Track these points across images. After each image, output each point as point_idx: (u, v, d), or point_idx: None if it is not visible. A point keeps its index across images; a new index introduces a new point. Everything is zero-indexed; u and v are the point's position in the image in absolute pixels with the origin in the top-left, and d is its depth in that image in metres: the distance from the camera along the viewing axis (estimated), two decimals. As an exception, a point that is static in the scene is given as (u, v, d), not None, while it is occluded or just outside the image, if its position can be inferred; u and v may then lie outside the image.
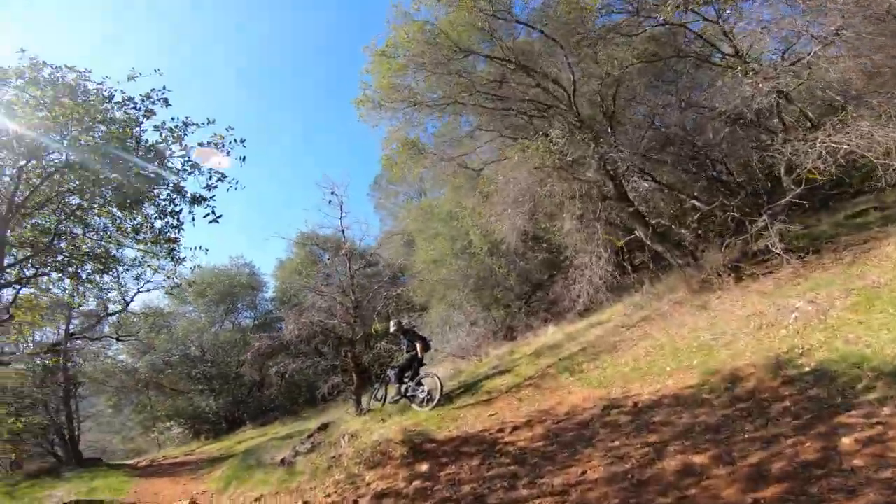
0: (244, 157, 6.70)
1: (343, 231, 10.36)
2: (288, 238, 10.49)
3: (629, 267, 13.59)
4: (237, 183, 6.95)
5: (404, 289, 11.41)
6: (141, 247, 7.87)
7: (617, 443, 5.50)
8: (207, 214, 6.62)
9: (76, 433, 14.34)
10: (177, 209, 6.99)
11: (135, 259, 8.57)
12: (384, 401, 10.21)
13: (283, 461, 8.22)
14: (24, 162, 6.38)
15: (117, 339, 18.84)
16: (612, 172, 11.66)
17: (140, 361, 19.07)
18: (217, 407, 17.69)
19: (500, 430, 6.89)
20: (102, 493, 8.98)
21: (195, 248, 8.22)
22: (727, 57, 12.01)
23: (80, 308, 20.00)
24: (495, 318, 15.59)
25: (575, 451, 5.64)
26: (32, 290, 8.82)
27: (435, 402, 9.29)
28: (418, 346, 10.01)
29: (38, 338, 17.99)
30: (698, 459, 4.65)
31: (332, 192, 10.42)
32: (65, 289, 8.99)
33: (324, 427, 8.78)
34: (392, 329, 10.27)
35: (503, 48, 11.98)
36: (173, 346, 18.32)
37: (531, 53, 13.15)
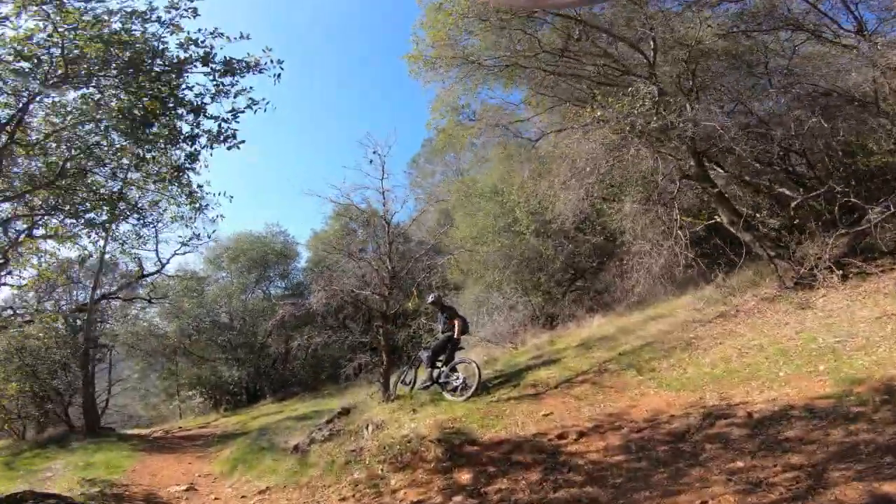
0: (279, 75, 5.34)
1: (383, 193, 8.96)
2: (323, 196, 8.78)
3: (692, 257, 11.82)
4: (267, 103, 5.57)
5: (447, 259, 9.88)
6: (153, 185, 6.63)
7: (740, 463, 3.95)
8: (227, 138, 5.28)
9: (94, 399, 13.48)
10: (193, 133, 5.64)
11: (153, 203, 7.30)
12: (413, 385, 8.84)
13: (296, 448, 6.97)
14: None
15: (149, 301, 18.08)
16: (695, 149, 9.89)
17: (170, 325, 18.32)
18: (239, 377, 16.75)
19: (562, 436, 5.40)
20: (99, 469, 7.95)
21: (218, 193, 7.00)
22: (844, 32, 10.10)
23: (117, 268, 19.73)
24: (534, 304, 13.99)
25: (677, 471, 4.11)
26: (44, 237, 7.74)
27: (471, 391, 7.87)
28: (457, 325, 8.60)
29: (77, 296, 17.50)
30: (890, 489, 3.10)
31: (374, 152, 9.01)
32: (79, 237, 7.91)
33: (345, 412, 7.48)
34: (429, 301, 8.87)
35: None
36: (203, 312, 17.43)
37: (601, 18, 11.52)
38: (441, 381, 8.39)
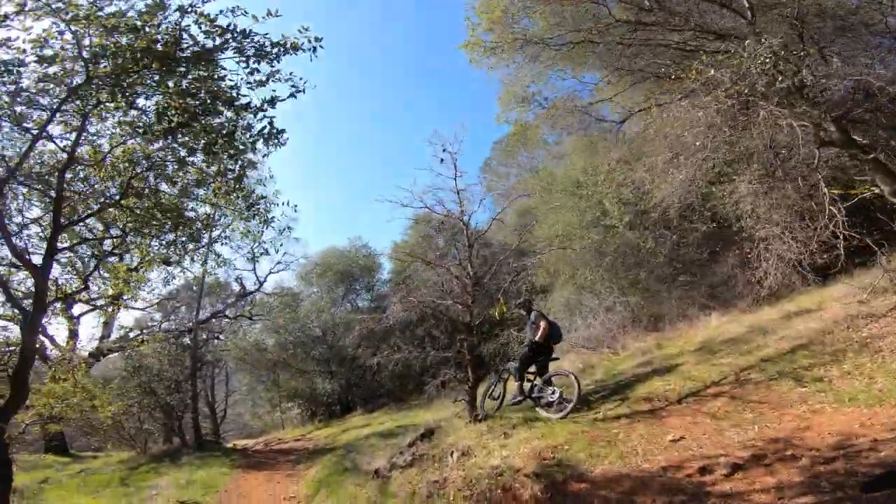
0: (315, 49, 4.59)
1: (458, 193, 7.98)
2: (394, 201, 7.90)
3: (852, 237, 9.40)
4: (305, 82, 4.83)
5: (537, 259, 8.63)
6: (215, 197, 6.20)
7: None
8: (263, 129, 4.61)
9: (213, 412, 13.90)
10: (242, 136, 5.07)
11: (210, 217, 6.95)
12: (501, 401, 7.69)
13: (377, 473, 6.11)
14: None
15: (251, 318, 18.98)
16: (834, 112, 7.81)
17: (271, 340, 18.92)
18: (332, 389, 16.67)
19: (706, 470, 3.94)
20: (196, 489, 7.80)
21: (282, 203, 6.47)
22: None
23: (227, 289, 20.94)
24: (633, 304, 12.17)
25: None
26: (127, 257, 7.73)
27: (570, 406, 6.56)
28: (541, 329, 7.37)
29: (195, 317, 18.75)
30: None
31: (444, 150, 8.07)
32: (167, 260, 7.83)
33: (428, 433, 6.50)
34: (517, 305, 7.72)
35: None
36: (297, 326, 17.76)
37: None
38: (534, 395, 7.16)
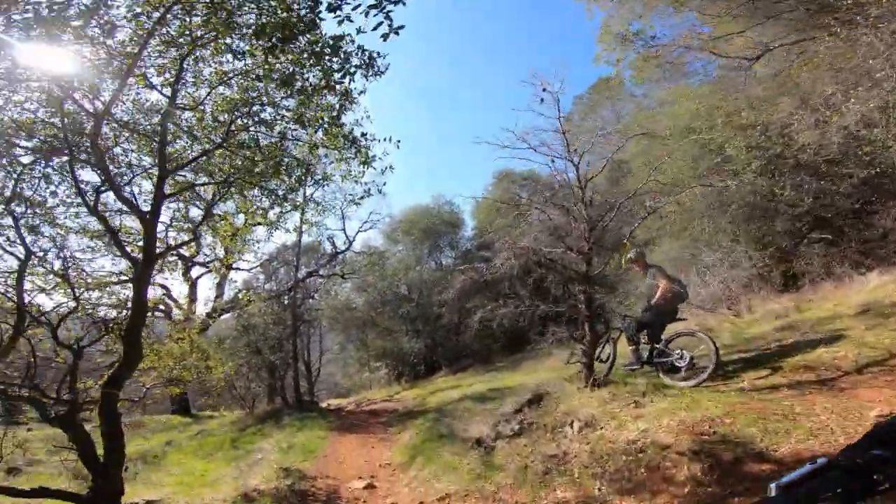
0: None
1: (564, 133, 6.81)
2: (493, 143, 6.88)
3: None
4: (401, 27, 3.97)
5: (666, 200, 7.22)
6: (308, 133, 5.64)
7: None
8: (379, 24, 3.78)
9: (309, 371, 14.23)
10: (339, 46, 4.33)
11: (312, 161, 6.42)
12: (611, 365, 6.62)
13: (478, 442, 5.40)
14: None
15: (342, 277, 19.31)
16: None
17: (360, 298, 19.17)
18: (418, 349, 16.49)
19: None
20: (297, 454, 7.68)
21: (384, 139, 5.78)
22: None
23: (319, 250, 21.57)
24: (762, 260, 10.27)
25: None
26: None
27: (706, 374, 5.41)
28: (661, 287, 6.17)
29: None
30: None
31: (544, 89, 6.87)
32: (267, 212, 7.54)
33: (535, 400, 5.65)
34: (630, 257, 6.55)
35: None
36: (385, 284, 17.75)
37: None
38: (656, 360, 6.05)
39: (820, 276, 9.35)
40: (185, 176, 6.23)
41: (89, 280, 5.75)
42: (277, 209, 6.91)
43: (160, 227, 6.55)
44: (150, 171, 5.49)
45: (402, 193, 63.42)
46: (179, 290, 16.86)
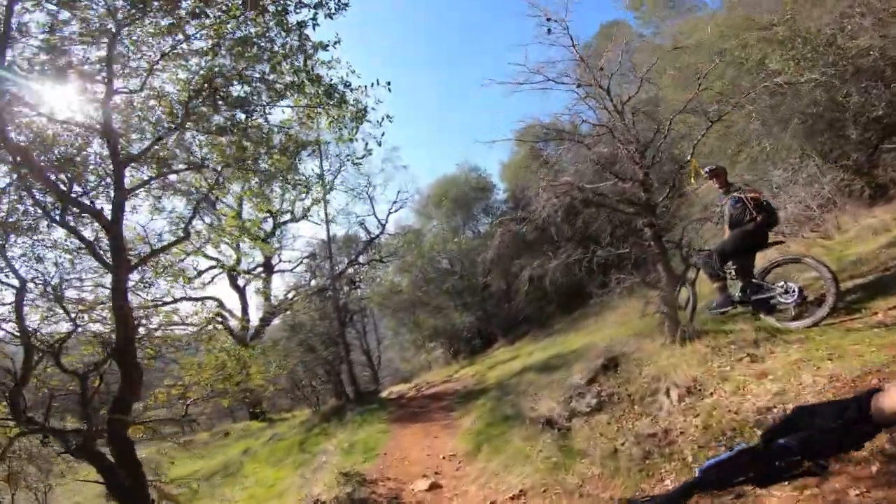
0: None
1: (584, 60, 5.52)
2: (506, 82, 5.65)
3: None
4: None
5: (728, 108, 5.75)
6: (276, 85, 4.78)
7: None
8: None
9: (352, 368, 13.78)
10: None
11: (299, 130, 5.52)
12: (693, 309, 5.45)
13: (549, 422, 4.48)
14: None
15: (381, 261, 18.79)
16: None
17: (403, 280, 18.59)
18: (470, 322, 15.72)
19: None
20: (357, 453, 7.13)
21: (373, 84, 4.85)
22: None
23: (357, 240, 21.17)
24: (835, 174, 8.54)
25: None
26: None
27: (826, 310, 4.18)
28: (754, 209, 4.90)
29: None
30: None
31: (548, 18, 5.57)
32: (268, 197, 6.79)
33: (611, 364, 4.65)
34: (706, 174, 5.30)
35: None
36: (425, 261, 17.02)
37: None
38: (756, 298, 4.83)
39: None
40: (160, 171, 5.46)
41: (84, 299, 5.21)
42: (278, 190, 6.09)
43: (156, 232, 5.99)
44: (101, 166, 4.76)
45: (428, 170, 62.37)
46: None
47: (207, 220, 6.38)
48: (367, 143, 5.24)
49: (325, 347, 12.96)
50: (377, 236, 19.41)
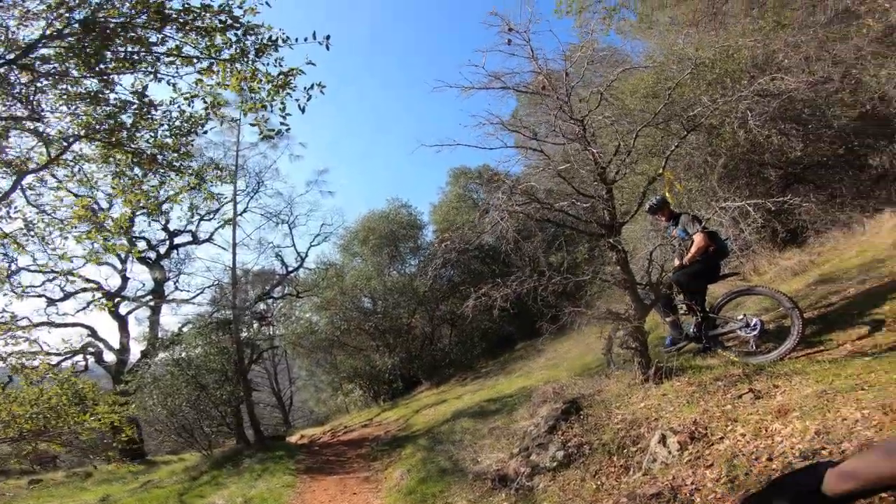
0: None
1: (546, 76, 5.13)
2: (456, 86, 5.06)
3: None
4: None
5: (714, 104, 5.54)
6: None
7: None
8: None
9: (252, 410, 11.78)
10: None
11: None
12: (673, 345, 4.97)
13: (503, 479, 3.55)
14: None
15: (297, 296, 17.00)
16: None
17: (321, 319, 16.83)
18: (392, 364, 14.43)
19: None
20: None
21: (307, 38, 3.92)
22: None
23: (273, 275, 19.09)
24: (752, 218, 8.99)
25: None
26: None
27: (792, 342, 3.85)
28: (696, 242, 4.62)
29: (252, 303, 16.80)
30: None
31: (510, 29, 5.23)
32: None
33: (572, 408, 3.86)
34: (648, 209, 5.02)
35: None
36: (346, 299, 15.53)
37: None
38: (711, 333, 4.45)
39: (824, 226, 8.24)
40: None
41: None
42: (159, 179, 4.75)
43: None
44: None
45: (358, 205, 61.06)
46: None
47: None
48: (284, 115, 4.20)
49: (220, 386, 10.97)
50: (295, 270, 17.74)
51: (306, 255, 16.92)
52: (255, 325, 15.24)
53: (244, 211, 14.48)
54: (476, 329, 14.97)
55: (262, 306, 17.03)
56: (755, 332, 4.15)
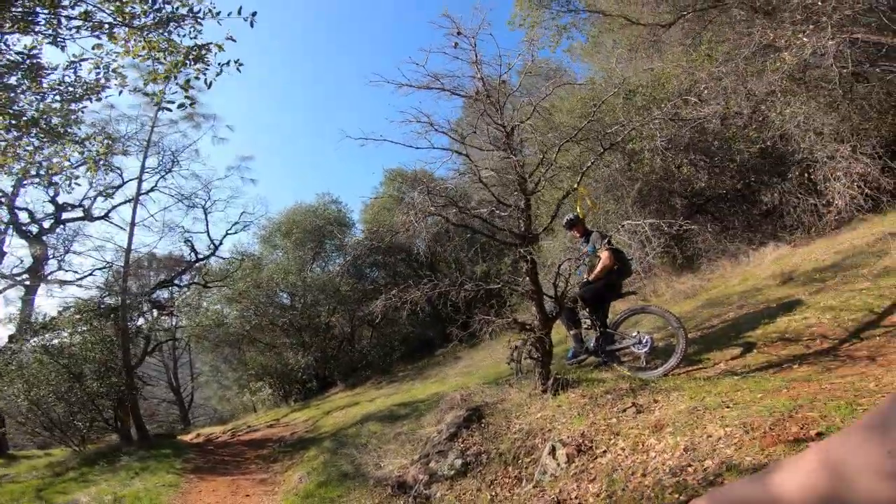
0: None
1: (482, 80, 5.17)
2: (394, 82, 4.88)
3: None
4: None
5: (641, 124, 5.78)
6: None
7: None
8: None
9: (136, 406, 10.68)
10: None
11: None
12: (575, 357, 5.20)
13: (402, 486, 3.47)
14: None
15: (204, 286, 15.56)
16: None
17: (232, 311, 15.63)
18: (306, 363, 13.80)
19: None
20: None
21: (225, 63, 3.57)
22: None
23: (181, 259, 17.38)
24: (657, 242, 9.85)
25: None
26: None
27: (676, 360, 4.20)
28: (603, 259, 4.92)
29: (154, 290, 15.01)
30: None
31: (458, 33, 5.22)
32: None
33: (475, 416, 3.88)
34: (564, 224, 5.26)
35: None
36: (260, 293, 14.56)
37: None
38: (609, 348, 4.72)
39: (716, 255, 9.17)
40: None
41: None
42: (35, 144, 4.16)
43: None
44: None
45: (284, 197, 58.18)
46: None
47: None
48: (188, 87, 3.83)
49: (99, 378, 9.86)
50: (206, 258, 16.35)
51: (220, 243, 15.62)
52: (153, 314, 13.85)
53: (151, 189, 13.13)
54: (397, 333, 14.82)
55: (163, 294, 15.56)
56: (646, 349, 4.45)
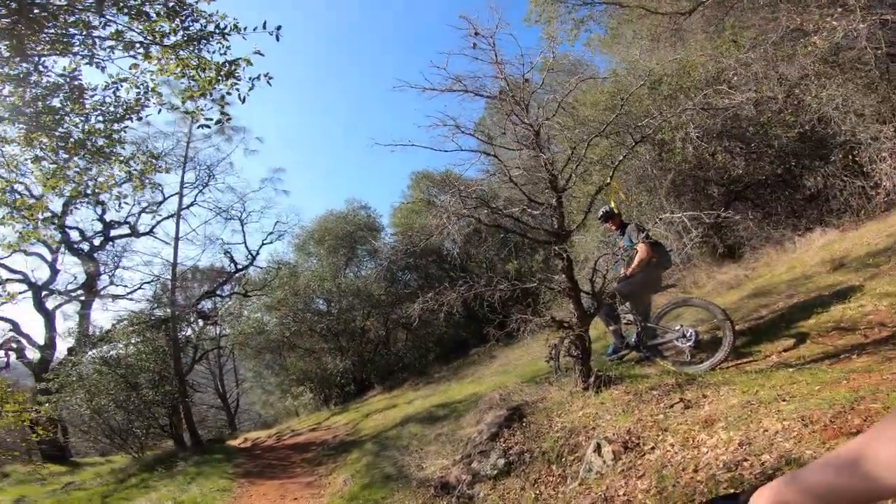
0: None
1: (505, 80, 5.16)
2: (417, 86, 4.94)
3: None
4: None
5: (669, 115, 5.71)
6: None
7: None
8: None
9: (189, 412, 11.17)
10: None
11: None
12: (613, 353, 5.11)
13: (445, 487, 3.50)
14: None
15: (245, 295, 16.22)
16: None
17: (271, 319, 16.17)
18: (344, 367, 14.08)
19: None
20: None
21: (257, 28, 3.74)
22: None
23: (223, 271, 18.18)
24: (695, 232, 9.50)
25: None
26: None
27: (724, 353, 4.05)
28: (641, 252, 4.81)
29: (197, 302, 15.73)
30: None
31: (476, 33, 5.23)
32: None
33: (515, 415, 3.87)
34: (599, 217, 5.18)
35: None
36: (298, 300, 15.00)
37: None
38: (651, 342, 4.61)
39: (759, 243, 8.78)
40: None
41: None
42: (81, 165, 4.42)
43: None
44: None
45: (315, 206, 59.71)
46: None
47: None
48: (223, 103, 3.99)
49: (154, 386, 10.37)
50: (245, 268, 17.00)
51: (258, 253, 16.27)
52: (199, 324, 14.47)
53: (191, 204, 13.77)
54: (431, 334, 14.90)
55: (207, 305, 16.26)
56: (690, 343, 4.31)
